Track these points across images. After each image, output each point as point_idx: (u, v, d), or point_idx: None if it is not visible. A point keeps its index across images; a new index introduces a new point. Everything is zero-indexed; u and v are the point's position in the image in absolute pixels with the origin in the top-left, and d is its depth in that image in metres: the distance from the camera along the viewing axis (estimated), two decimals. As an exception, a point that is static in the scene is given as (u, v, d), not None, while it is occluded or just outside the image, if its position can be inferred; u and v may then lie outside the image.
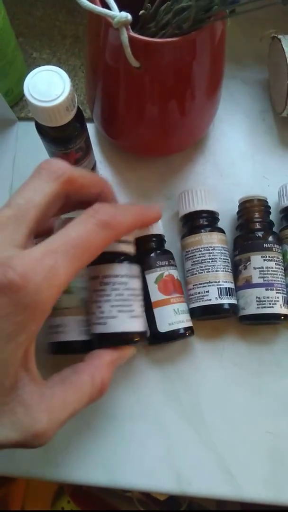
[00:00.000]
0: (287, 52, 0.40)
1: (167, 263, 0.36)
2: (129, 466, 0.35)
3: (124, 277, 0.33)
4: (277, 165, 0.43)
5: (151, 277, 0.35)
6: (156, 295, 0.35)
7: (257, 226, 0.37)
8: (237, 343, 0.38)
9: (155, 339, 0.35)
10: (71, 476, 0.34)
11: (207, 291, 0.35)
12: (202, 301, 0.35)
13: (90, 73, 0.37)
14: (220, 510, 0.72)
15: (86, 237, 0.25)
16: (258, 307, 0.35)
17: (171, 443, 0.35)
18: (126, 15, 0.28)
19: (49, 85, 0.31)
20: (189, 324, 0.35)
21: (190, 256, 0.37)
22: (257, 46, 0.46)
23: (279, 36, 0.41)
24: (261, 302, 0.35)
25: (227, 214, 0.41)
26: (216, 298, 0.35)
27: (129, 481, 0.34)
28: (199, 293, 0.36)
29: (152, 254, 0.36)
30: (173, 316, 0.34)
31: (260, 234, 0.37)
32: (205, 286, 0.35)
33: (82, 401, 0.28)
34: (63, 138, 0.34)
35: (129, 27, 0.29)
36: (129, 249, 0.34)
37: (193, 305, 0.36)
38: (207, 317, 0.37)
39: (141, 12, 0.31)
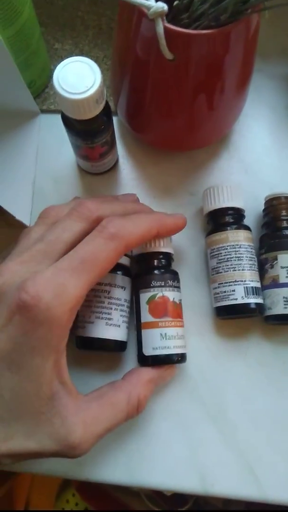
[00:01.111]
0: None
1: (162, 284, 0.34)
2: (152, 466, 0.34)
3: (107, 286, 0.34)
4: (303, 161, 0.42)
5: (143, 297, 0.34)
6: (145, 316, 0.34)
7: (285, 224, 0.37)
8: (262, 342, 0.37)
9: (140, 361, 0.34)
10: (94, 475, 0.34)
11: (233, 290, 0.35)
12: (228, 300, 0.35)
13: (117, 64, 0.36)
14: (225, 510, 0.72)
15: (93, 251, 0.27)
16: (286, 307, 0.34)
17: (195, 443, 0.35)
18: (163, 6, 0.27)
19: (79, 77, 0.30)
20: (179, 351, 0.33)
21: (216, 254, 0.36)
22: (283, 41, 0.45)
23: (309, 30, 0.40)
24: (288, 302, 0.34)
25: (252, 211, 0.40)
26: (242, 297, 0.34)
27: (152, 480, 0.34)
28: (224, 292, 0.35)
29: (148, 274, 0.34)
30: (158, 340, 0.33)
31: (287, 232, 0.36)
32: (231, 285, 0.35)
33: (118, 417, 0.29)
34: (90, 131, 0.34)
35: (164, 18, 0.28)
36: (123, 260, 0.35)
37: (218, 304, 0.36)
38: (232, 316, 0.36)
39: (176, 2, 0.30)
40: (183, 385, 0.36)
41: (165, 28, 0.28)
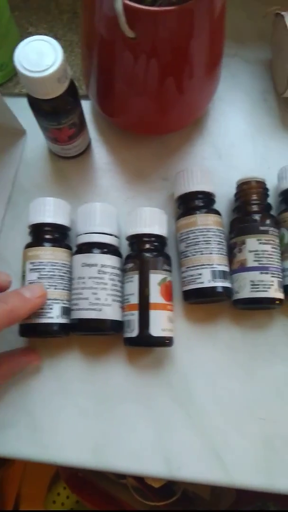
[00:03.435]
0: (290, 29, 0.38)
1: (169, 269, 0.35)
2: (119, 449, 0.34)
3: (118, 270, 0.35)
4: (278, 147, 0.42)
5: (155, 277, 0.34)
6: (156, 297, 0.33)
7: (254, 208, 0.36)
8: (231, 327, 0.37)
9: (143, 341, 0.33)
10: (59, 457, 0.34)
11: (200, 274, 0.34)
12: (195, 283, 0.34)
13: (85, 47, 0.36)
14: (210, 510, 0.71)
15: None
16: (252, 291, 0.34)
17: (162, 427, 0.35)
18: (120, -19, 0.27)
19: (40, 55, 0.30)
20: (172, 334, 0.34)
21: (184, 238, 0.36)
22: (260, 25, 0.45)
23: (283, 13, 0.40)
24: (255, 286, 0.34)
25: (225, 197, 0.40)
26: (209, 281, 0.34)
27: (118, 464, 0.34)
28: (192, 275, 0.35)
29: (160, 256, 0.35)
30: (167, 323, 0.34)
31: (256, 216, 0.36)
32: (198, 269, 0.35)
33: None
34: (55, 111, 0.33)
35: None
36: (116, 242, 0.36)
37: (186, 288, 0.35)
38: (200, 300, 0.36)
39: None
40: (151, 368, 0.36)
41: (124, 5, 0.27)
